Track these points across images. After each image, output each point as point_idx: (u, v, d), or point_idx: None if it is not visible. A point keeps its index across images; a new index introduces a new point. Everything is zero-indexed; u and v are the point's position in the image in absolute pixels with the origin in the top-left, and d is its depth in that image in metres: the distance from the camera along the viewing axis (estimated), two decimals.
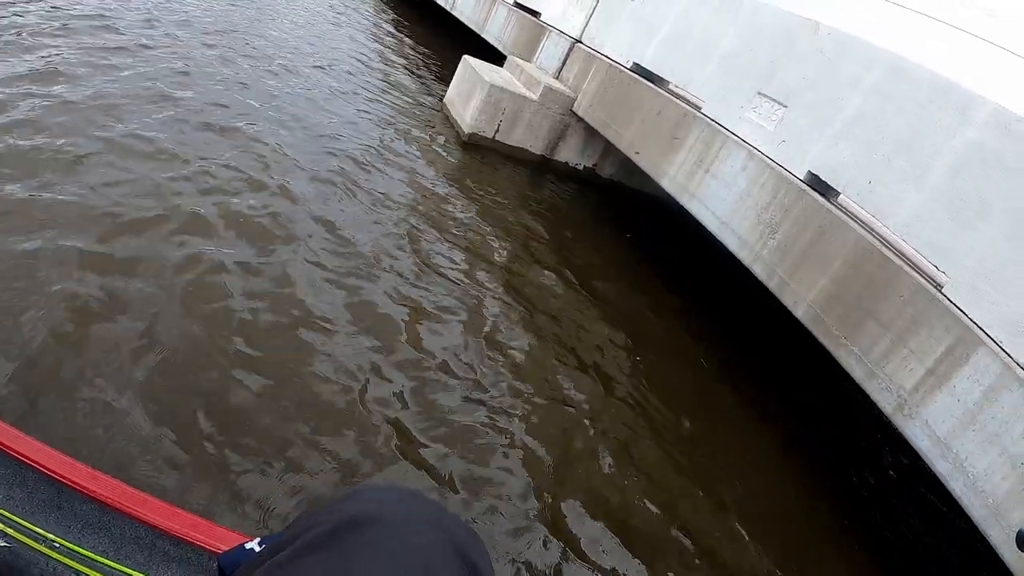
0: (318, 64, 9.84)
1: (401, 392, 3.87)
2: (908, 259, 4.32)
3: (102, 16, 7.51)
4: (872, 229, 4.69)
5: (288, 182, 5.72)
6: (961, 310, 3.82)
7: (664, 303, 6.79)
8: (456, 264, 5.73)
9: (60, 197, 4.16)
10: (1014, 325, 3.53)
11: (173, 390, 3.16)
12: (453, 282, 5.38)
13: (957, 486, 3.59)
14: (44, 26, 6.52)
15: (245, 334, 3.72)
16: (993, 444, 3.43)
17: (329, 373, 3.74)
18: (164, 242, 4.21)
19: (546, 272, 6.33)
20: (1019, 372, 3.40)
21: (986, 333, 3.65)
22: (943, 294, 3.94)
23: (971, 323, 3.73)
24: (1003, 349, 3.52)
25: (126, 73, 6.41)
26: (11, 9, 6.51)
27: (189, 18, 9.08)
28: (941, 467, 3.69)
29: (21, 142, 4.56)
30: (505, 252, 6.41)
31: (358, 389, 3.72)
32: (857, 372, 4.24)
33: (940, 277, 4.05)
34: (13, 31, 6.12)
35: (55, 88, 5.48)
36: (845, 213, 4.86)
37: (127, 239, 4.07)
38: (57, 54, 6.10)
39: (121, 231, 4.11)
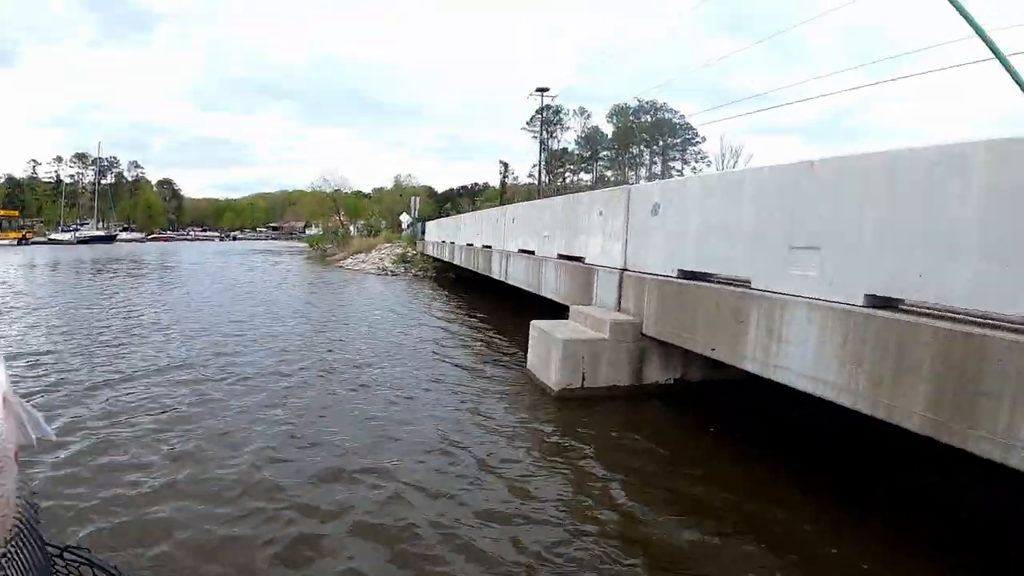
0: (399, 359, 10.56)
1: None
2: (980, 323, 4.14)
3: None
4: (943, 314, 4.55)
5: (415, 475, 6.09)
6: None
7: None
8: (567, 503, 5.69)
9: None
10: None
11: None
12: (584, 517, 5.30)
13: None
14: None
15: None
16: None
17: None
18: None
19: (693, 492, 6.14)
20: None
21: None
22: None
23: None
24: None
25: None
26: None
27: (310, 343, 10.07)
28: None
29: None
30: (617, 486, 6.29)
31: None
32: (996, 454, 3.86)
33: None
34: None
35: None
36: (913, 314, 4.76)
37: None
38: None
39: None
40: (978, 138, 4.43)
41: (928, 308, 4.87)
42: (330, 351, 12.05)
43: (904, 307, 5.03)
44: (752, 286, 6.76)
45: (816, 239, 5.84)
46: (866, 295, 5.21)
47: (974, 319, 4.42)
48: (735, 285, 7.16)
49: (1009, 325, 4.12)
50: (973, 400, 4.03)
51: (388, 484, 5.92)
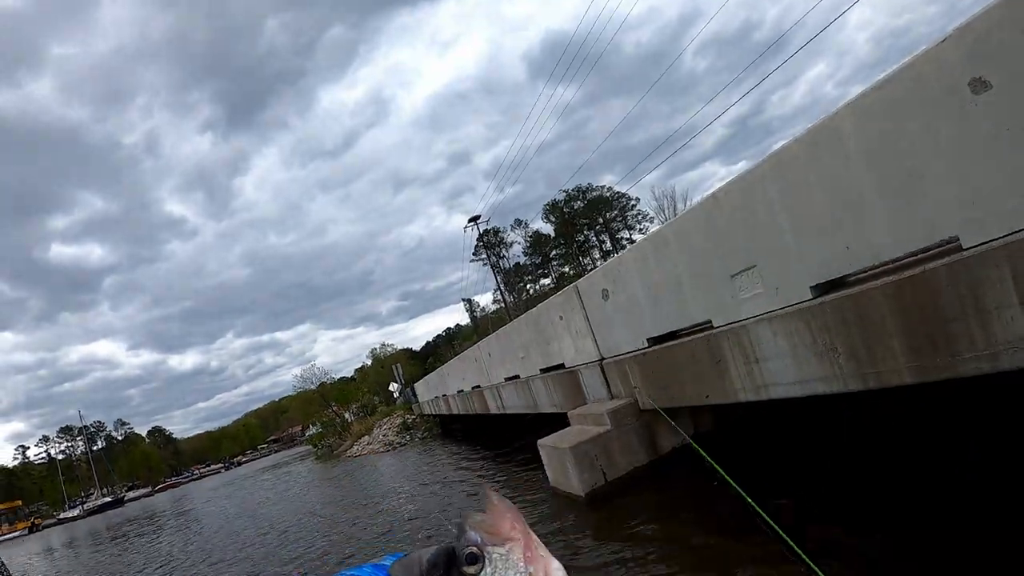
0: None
1: None
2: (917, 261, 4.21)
3: None
4: (886, 268, 4.62)
5: None
6: None
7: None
8: None
9: None
10: None
11: None
12: None
13: None
14: None
15: None
16: None
17: None
18: None
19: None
20: None
21: None
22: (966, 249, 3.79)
23: None
24: None
25: None
26: None
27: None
28: None
29: None
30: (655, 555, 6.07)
31: None
32: (986, 366, 3.80)
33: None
34: None
35: None
36: (859, 283, 4.83)
37: None
38: None
39: None
40: (839, 107, 4.65)
41: (869, 270, 4.92)
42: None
43: (850, 280, 5.08)
44: (715, 325, 6.78)
45: (749, 258, 5.94)
46: (811, 287, 5.24)
47: (911, 260, 4.48)
48: (700, 331, 7.17)
49: (940, 250, 4.17)
50: (944, 330, 4.01)
51: None
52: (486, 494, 0.85)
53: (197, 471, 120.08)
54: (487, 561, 0.88)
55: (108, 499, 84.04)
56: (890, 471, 5.97)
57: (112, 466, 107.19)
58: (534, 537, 0.88)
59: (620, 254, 8.76)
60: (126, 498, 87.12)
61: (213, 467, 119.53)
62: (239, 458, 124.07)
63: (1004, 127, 3.51)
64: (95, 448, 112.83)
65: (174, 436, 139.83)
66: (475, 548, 0.88)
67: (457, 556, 0.87)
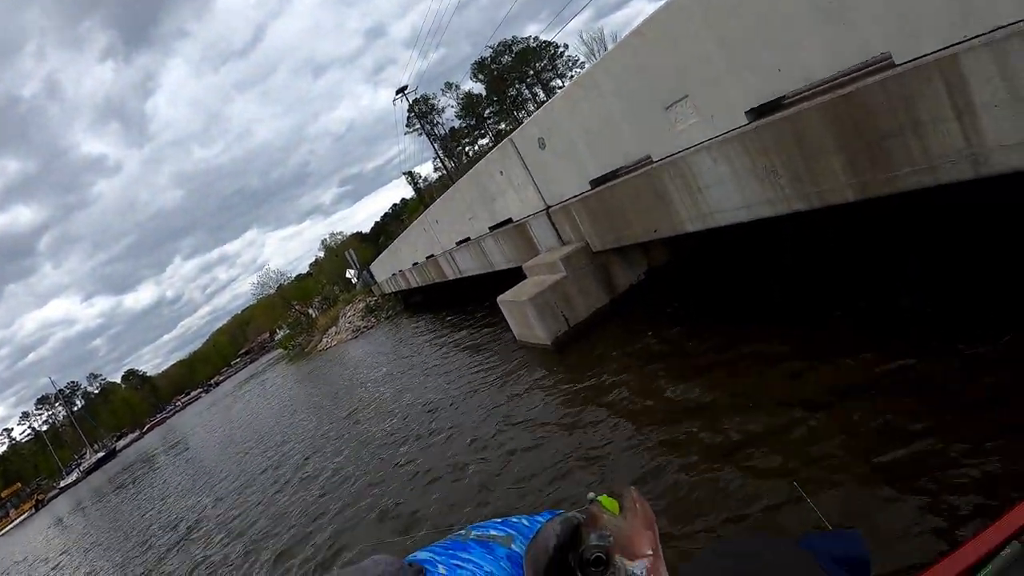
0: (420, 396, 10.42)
1: None
2: (852, 79, 4.10)
3: None
4: (821, 88, 4.51)
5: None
6: None
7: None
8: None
9: None
10: None
11: None
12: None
13: None
14: None
15: None
16: None
17: None
18: None
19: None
20: None
21: None
22: (900, 65, 3.67)
23: None
24: None
25: None
26: None
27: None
28: None
29: None
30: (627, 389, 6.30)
31: None
32: (928, 179, 3.81)
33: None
34: None
35: None
36: (795, 104, 4.69)
37: None
38: None
39: None
40: None
41: (804, 92, 4.79)
42: (360, 420, 11.91)
43: (786, 103, 4.93)
44: (654, 159, 6.65)
45: (681, 89, 5.71)
46: (746, 112, 5.08)
47: (845, 78, 4.37)
48: (642, 167, 7.05)
49: (874, 67, 4.05)
50: (882, 146, 3.97)
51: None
52: (630, 497, 0.74)
53: (179, 402, 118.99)
54: (614, 571, 0.79)
55: (101, 454, 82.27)
56: (830, 288, 6.10)
57: (96, 421, 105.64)
58: (662, 558, 0.79)
59: (550, 101, 8.44)
60: (118, 448, 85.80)
61: (193, 394, 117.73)
62: (216, 378, 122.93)
63: None
64: (75, 409, 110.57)
65: (148, 375, 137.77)
66: (603, 553, 0.79)
67: (583, 553, 0.77)
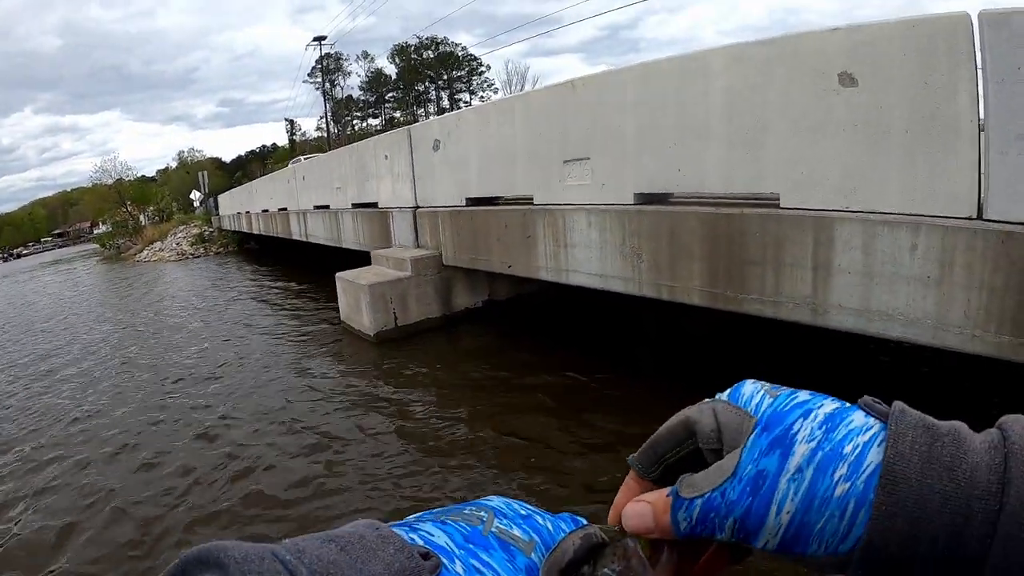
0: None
1: None
2: (737, 203, 4.32)
3: None
4: (708, 200, 4.71)
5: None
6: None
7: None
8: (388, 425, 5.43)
9: None
10: None
11: None
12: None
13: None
14: None
15: None
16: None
17: None
18: None
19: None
20: None
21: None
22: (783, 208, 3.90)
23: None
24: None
25: None
26: None
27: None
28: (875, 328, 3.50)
29: None
30: (426, 409, 6.18)
31: None
32: (768, 311, 4.05)
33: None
34: None
35: None
36: (681, 204, 4.87)
37: None
38: None
39: None
40: (719, 44, 4.54)
41: (692, 197, 4.99)
42: (143, 347, 10.86)
43: (673, 200, 5.13)
44: (535, 202, 6.69)
45: (586, 150, 5.81)
46: (635, 194, 5.25)
47: (732, 201, 4.58)
48: (520, 204, 7.06)
49: (760, 201, 4.28)
50: (742, 269, 4.18)
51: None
52: (670, 557, 0.57)
53: None
54: None
55: None
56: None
57: None
58: None
59: (462, 111, 8.34)
60: None
61: None
62: (20, 250, 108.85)
63: (854, 122, 3.58)
64: None
65: None
66: None
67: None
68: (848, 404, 0.39)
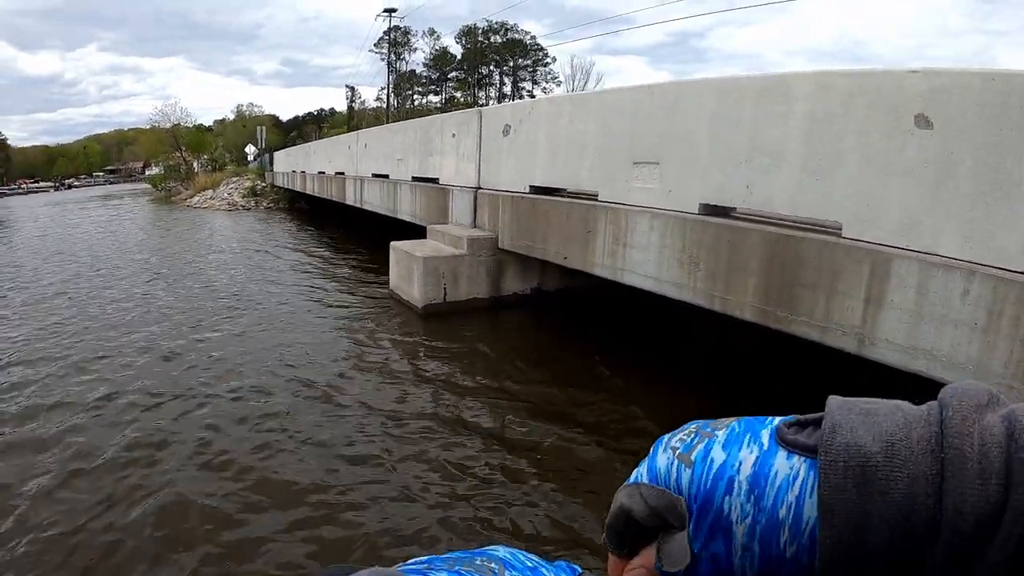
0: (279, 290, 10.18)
1: None
2: (800, 226, 4.54)
3: None
4: (770, 220, 4.94)
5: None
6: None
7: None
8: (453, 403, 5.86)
9: None
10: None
11: None
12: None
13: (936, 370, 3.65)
14: None
15: None
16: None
17: None
18: None
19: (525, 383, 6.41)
20: None
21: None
22: (844, 238, 4.14)
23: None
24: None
25: None
26: None
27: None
28: (918, 365, 3.73)
29: None
30: (480, 384, 6.54)
31: None
32: (815, 335, 4.30)
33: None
34: None
35: None
36: (743, 220, 5.11)
37: None
38: None
39: None
40: (805, 69, 4.75)
41: (754, 214, 5.22)
42: (205, 287, 11.46)
43: (736, 215, 5.37)
44: (600, 198, 6.96)
45: (656, 154, 6.07)
46: (701, 204, 5.51)
47: (794, 224, 4.81)
48: (584, 198, 7.34)
49: (822, 228, 4.51)
50: (794, 291, 4.43)
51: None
52: None
53: (24, 185, 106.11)
54: None
55: None
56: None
57: None
58: None
59: (537, 99, 8.70)
60: None
61: (43, 184, 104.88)
62: (72, 181, 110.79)
63: (923, 164, 3.78)
64: None
65: (7, 142, 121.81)
66: None
67: None
68: (765, 442, 0.39)
